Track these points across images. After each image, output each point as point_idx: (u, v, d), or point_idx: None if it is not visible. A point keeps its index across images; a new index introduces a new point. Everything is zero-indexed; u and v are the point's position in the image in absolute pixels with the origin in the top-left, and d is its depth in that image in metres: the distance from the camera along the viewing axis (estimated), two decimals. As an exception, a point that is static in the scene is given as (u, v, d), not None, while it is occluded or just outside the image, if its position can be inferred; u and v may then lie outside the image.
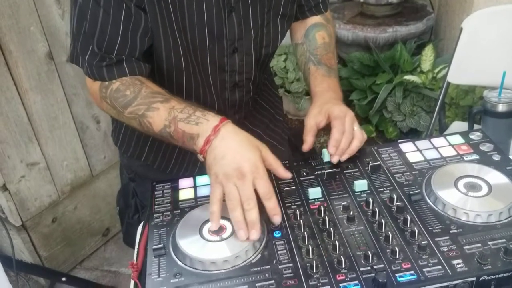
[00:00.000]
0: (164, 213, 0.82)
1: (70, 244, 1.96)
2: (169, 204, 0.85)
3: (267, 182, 0.75)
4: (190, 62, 0.93)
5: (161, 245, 0.74)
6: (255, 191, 0.75)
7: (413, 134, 2.27)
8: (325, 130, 0.94)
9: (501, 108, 1.26)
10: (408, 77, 2.18)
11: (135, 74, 0.88)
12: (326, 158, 0.91)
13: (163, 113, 0.83)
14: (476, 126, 1.33)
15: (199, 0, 0.85)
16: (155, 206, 0.85)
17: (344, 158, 0.89)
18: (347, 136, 0.89)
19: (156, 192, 0.88)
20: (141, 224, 0.91)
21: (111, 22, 0.83)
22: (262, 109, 1.16)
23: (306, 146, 0.91)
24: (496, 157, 0.87)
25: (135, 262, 0.80)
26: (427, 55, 2.21)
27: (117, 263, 2.03)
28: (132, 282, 0.77)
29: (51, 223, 1.86)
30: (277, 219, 0.76)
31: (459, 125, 1.74)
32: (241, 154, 0.75)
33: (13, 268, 1.47)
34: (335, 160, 0.88)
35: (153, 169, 1.10)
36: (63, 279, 1.77)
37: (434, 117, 1.68)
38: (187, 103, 0.84)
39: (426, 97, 2.22)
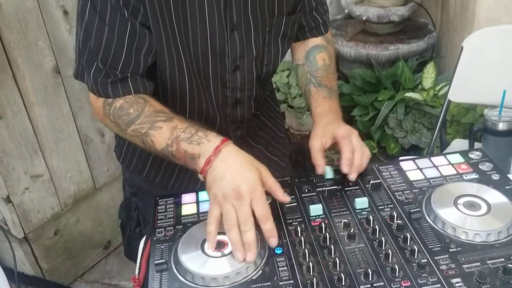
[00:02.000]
0: (167, 228, 0.83)
1: (72, 257, 1.97)
2: (172, 219, 0.86)
3: (264, 204, 0.76)
4: (194, 79, 0.95)
5: (163, 260, 0.75)
6: (253, 212, 0.75)
7: (415, 151, 2.28)
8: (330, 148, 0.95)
9: (501, 126, 1.27)
10: (409, 94, 2.20)
11: (139, 92, 0.89)
12: (328, 176, 0.92)
13: (165, 132, 0.84)
14: (477, 144, 1.35)
15: (202, 19, 0.87)
16: (158, 221, 0.86)
17: (355, 175, 0.90)
18: (358, 152, 0.91)
19: (159, 207, 0.89)
20: (144, 238, 0.92)
21: (116, 39, 0.85)
22: (263, 126, 1.18)
23: (320, 169, 0.92)
24: (495, 177, 0.89)
25: (137, 276, 0.81)
26: (429, 73, 2.22)
27: (118, 276, 2.03)
28: (134, 296, 0.78)
29: (53, 235, 1.86)
30: (273, 241, 0.76)
31: (460, 143, 1.75)
32: (240, 175, 0.76)
33: (15, 280, 1.48)
34: (353, 177, 0.90)
35: (154, 185, 1.11)
36: (64, 292, 1.78)
37: (435, 135, 1.69)
38: (190, 123, 0.85)
39: (427, 114, 2.23)
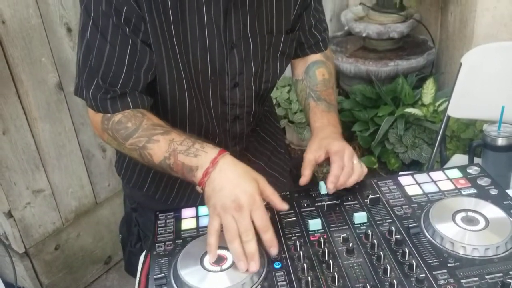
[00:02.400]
0: (166, 243, 0.84)
1: (72, 272, 1.96)
2: (172, 234, 0.86)
3: (264, 214, 0.76)
4: (194, 95, 0.96)
5: (162, 275, 0.76)
6: (253, 222, 0.76)
7: (415, 166, 2.28)
8: (328, 161, 0.96)
9: (500, 142, 1.28)
10: (409, 109, 2.21)
11: (138, 107, 0.91)
12: (323, 191, 0.93)
13: (163, 145, 0.85)
14: (476, 159, 1.35)
15: (202, 37, 0.89)
16: (158, 235, 0.86)
17: (332, 190, 0.90)
18: (346, 171, 0.91)
19: (159, 222, 0.90)
20: (144, 253, 0.92)
21: (116, 57, 0.86)
22: (263, 141, 1.19)
23: (304, 180, 0.93)
24: (494, 191, 0.89)
25: (136, 291, 0.81)
26: (428, 89, 2.24)
27: (118, 292, 2.02)
28: (133, 311, 0.78)
29: (54, 250, 1.86)
30: (274, 250, 0.77)
31: (460, 158, 1.76)
32: (239, 186, 0.77)
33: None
34: (330, 191, 0.90)
35: (154, 200, 1.11)
36: (64, 307, 1.77)
37: (435, 150, 1.70)
38: (187, 136, 0.86)
39: (427, 129, 2.24)
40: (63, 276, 1.92)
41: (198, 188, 0.83)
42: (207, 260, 0.77)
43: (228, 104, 1.00)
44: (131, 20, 0.84)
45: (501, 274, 0.71)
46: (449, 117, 1.67)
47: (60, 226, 1.86)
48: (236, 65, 0.94)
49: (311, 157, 0.94)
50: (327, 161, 0.95)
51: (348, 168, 0.91)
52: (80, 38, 0.89)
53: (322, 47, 1.11)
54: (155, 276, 0.75)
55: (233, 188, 0.77)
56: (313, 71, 1.09)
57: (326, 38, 1.11)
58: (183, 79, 0.93)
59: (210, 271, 0.75)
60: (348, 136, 2.46)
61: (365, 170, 0.94)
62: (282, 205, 0.82)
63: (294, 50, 1.06)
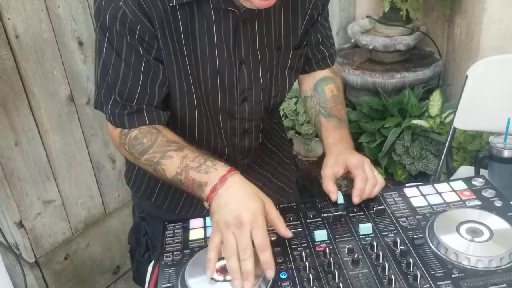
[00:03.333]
0: (174, 253, 0.86)
1: (81, 281, 1.98)
2: (180, 244, 0.88)
3: (264, 234, 0.77)
4: (204, 110, 0.98)
5: (170, 284, 0.77)
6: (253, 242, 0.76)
7: (422, 177, 2.28)
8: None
9: (506, 153, 1.28)
10: (416, 121, 2.22)
11: (154, 123, 0.93)
12: (340, 201, 0.94)
13: (176, 161, 0.87)
14: (483, 171, 1.36)
15: (212, 54, 0.92)
16: (166, 246, 0.88)
17: (358, 199, 0.92)
18: (371, 182, 0.92)
19: (167, 232, 0.92)
20: (152, 263, 0.93)
21: (131, 74, 0.89)
22: (270, 152, 1.20)
23: (334, 196, 0.93)
24: (498, 203, 0.90)
25: (145, 300, 0.83)
26: (435, 100, 2.25)
27: (126, 301, 2.04)
28: (142, 320, 0.80)
29: (63, 260, 1.88)
30: (270, 273, 0.76)
31: (467, 169, 1.76)
32: (243, 203, 0.78)
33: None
34: (357, 200, 0.91)
35: (162, 210, 1.13)
36: (73, 317, 1.78)
37: (441, 161, 1.71)
38: (200, 153, 0.88)
39: (434, 141, 2.25)
40: (72, 286, 1.94)
41: (205, 204, 0.84)
42: (215, 270, 0.78)
43: (237, 119, 1.02)
44: (145, 39, 0.87)
45: (504, 285, 0.72)
46: (455, 129, 1.67)
47: (69, 236, 1.88)
48: (245, 80, 0.96)
49: (330, 172, 0.95)
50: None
51: (372, 179, 0.92)
52: (97, 55, 0.93)
53: (329, 62, 1.12)
54: (163, 286, 0.77)
55: (237, 204, 0.78)
56: (321, 88, 1.10)
57: (333, 53, 1.12)
58: (193, 95, 0.95)
59: (217, 280, 0.77)
60: (355, 147, 2.47)
61: (383, 181, 0.95)
62: (285, 232, 0.83)
63: (302, 65, 1.07)
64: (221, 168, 0.84)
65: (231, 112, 1.00)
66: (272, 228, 0.83)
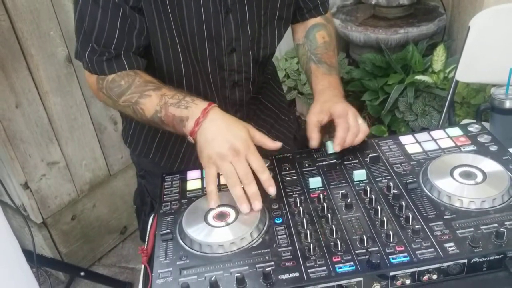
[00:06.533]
0: (172, 202, 0.87)
1: (89, 241, 2.03)
2: (177, 194, 0.89)
3: (259, 157, 0.81)
4: (190, 61, 0.98)
5: (168, 231, 0.79)
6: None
7: (426, 134, 2.27)
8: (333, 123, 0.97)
9: (508, 104, 1.27)
10: (419, 77, 2.19)
11: (133, 68, 0.93)
12: (330, 151, 0.94)
13: (154, 100, 0.88)
14: (485, 124, 1.35)
15: (196, 1, 0.90)
16: (164, 196, 0.89)
17: (339, 147, 0.92)
18: (352, 132, 0.92)
19: (165, 183, 0.93)
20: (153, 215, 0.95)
21: (109, 20, 0.89)
22: (266, 109, 1.20)
23: (314, 143, 0.95)
24: (493, 148, 0.90)
25: (145, 248, 0.85)
26: (439, 55, 2.21)
27: (134, 260, 2.09)
28: (142, 266, 0.82)
29: (70, 220, 1.93)
30: (272, 190, 0.81)
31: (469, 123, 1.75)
32: (231, 133, 0.80)
33: (34, 262, 1.54)
34: (338, 148, 0.92)
35: (160, 167, 1.14)
36: (82, 274, 1.84)
37: (443, 115, 1.70)
38: (178, 90, 0.90)
39: (437, 96, 2.22)
40: (80, 246, 1.99)
41: (190, 139, 0.86)
42: (211, 217, 0.80)
43: (226, 70, 1.01)
44: None
45: (496, 225, 0.72)
46: (457, 82, 1.66)
47: (75, 197, 1.92)
48: (232, 30, 0.95)
49: (314, 119, 0.95)
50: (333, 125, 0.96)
51: (354, 128, 0.92)
52: (74, 4, 0.92)
53: (321, 10, 1.11)
54: (162, 232, 0.79)
55: (227, 136, 0.80)
56: (313, 35, 1.09)
57: (325, 1, 1.11)
58: (177, 44, 0.94)
59: (213, 226, 0.78)
60: (358, 106, 2.45)
61: (368, 129, 0.95)
62: (273, 144, 0.86)
63: (294, 15, 1.06)
64: (200, 103, 0.85)
65: (219, 63, 0.99)
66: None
